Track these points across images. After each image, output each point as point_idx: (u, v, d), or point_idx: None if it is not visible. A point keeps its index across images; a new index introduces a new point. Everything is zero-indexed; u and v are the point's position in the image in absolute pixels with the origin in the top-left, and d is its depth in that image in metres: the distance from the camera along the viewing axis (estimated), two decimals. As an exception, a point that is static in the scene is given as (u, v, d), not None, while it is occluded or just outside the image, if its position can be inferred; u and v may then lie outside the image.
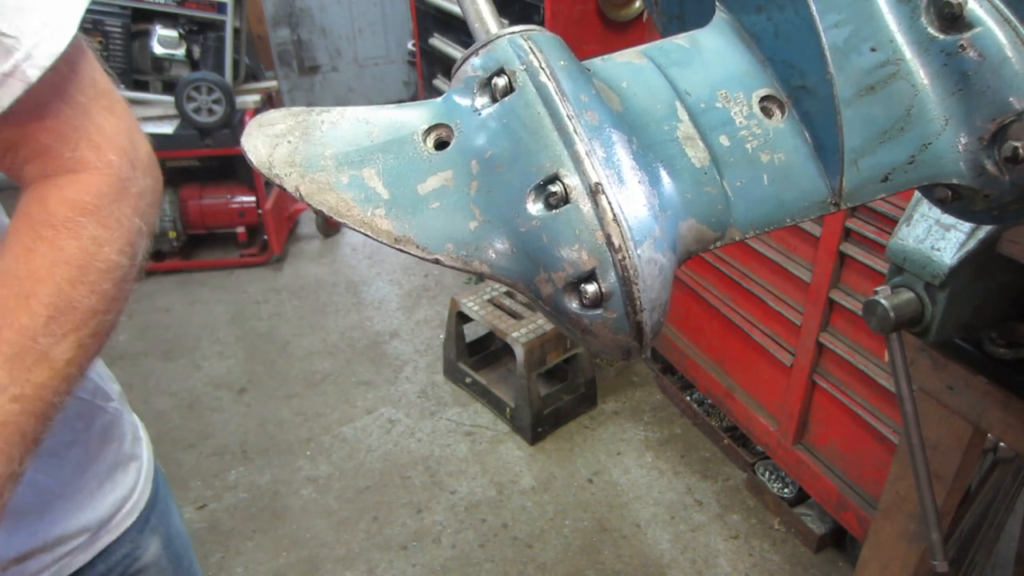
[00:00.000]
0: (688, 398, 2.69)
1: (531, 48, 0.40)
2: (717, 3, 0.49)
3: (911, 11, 0.44)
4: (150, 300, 3.51)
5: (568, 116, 0.38)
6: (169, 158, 3.57)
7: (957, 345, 0.93)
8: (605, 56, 0.47)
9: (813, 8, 0.44)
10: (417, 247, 0.41)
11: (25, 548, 0.79)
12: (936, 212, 0.86)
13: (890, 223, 1.65)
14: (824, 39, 0.44)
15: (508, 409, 2.65)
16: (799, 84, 0.45)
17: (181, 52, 3.82)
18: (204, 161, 3.74)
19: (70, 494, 0.83)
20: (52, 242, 0.61)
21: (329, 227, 4.06)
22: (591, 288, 0.38)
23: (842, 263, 1.84)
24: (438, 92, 0.57)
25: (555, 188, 0.38)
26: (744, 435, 2.47)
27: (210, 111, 3.79)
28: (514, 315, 2.67)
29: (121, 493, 0.90)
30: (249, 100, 3.80)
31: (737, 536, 2.27)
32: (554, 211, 0.38)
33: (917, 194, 0.89)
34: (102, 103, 0.67)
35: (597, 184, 0.37)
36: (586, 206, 0.37)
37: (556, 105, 0.38)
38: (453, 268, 0.41)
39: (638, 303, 0.38)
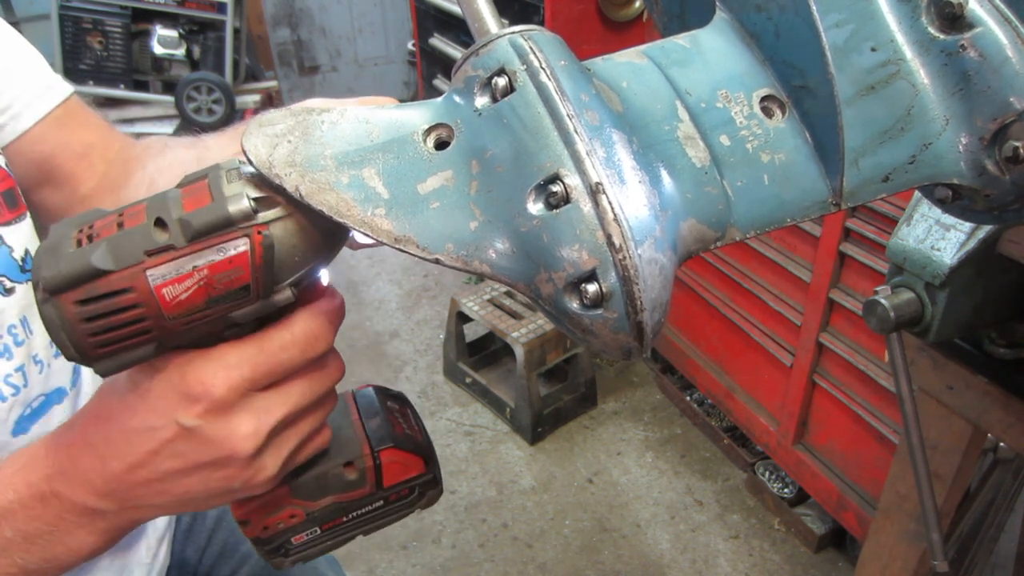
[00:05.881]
0: (688, 398, 2.69)
1: (531, 48, 0.40)
2: (718, 3, 0.49)
3: (912, 11, 0.44)
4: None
5: (568, 116, 0.38)
6: (169, 158, 3.56)
7: (957, 345, 0.93)
8: (605, 56, 0.47)
9: (813, 8, 0.44)
10: (417, 247, 0.41)
11: None
12: (936, 212, 0.86)
13: (890, 223, 1.65)
14: (824, 39, 0.44)
15: (508, 409, 2.65)
16: (800, 84, 0.45)
17: (181, 52, 3.83)
18: (204, 161, 3.74)
19: None
20: None
21: None
22: (592, 288, 0.38)
23: (842, 263, 1.84)
24: (438, 92, 0.57)
25: (555, 188, 0.38)
26: (744, 435, 2.47)
27: (210, 111, 3.80)
28: (514, 315, 2.67)
29: None
30: (249, 100, 3.81)
31: (737, 536, 2.27)
32: (554, 211, 0.38)
33: (917, 194, 0.89)
34: None
35: (598, 184, 0.37)
36: (587, 206, 0.37)
37: (556, 105, 0.38)
38: (453, 268, 0.41)
39: (639, 303, 0.38)
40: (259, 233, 0.41)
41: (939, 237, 0.84)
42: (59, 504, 0.48)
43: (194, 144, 0.74)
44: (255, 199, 0.42)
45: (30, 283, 0.76)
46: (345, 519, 0.57)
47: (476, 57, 0.42)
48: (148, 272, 0.41)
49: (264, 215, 0.42)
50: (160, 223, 0.41)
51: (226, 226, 0.41)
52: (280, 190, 0.42)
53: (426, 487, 0.60)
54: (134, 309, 0.41)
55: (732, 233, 0.44)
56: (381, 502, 0.58)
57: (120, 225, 0.42)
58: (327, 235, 0.45)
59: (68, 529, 0.49)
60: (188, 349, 0.45)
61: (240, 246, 0.41)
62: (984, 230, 0.81)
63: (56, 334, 0.41)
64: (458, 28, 3.28)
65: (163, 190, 0.43)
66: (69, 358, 0.43)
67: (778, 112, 0.45)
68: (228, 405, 0.45)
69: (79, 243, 0.41)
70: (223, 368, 0.44)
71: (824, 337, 1.93)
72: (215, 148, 0.70)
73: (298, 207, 0.43)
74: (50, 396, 0.77)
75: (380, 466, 0.57)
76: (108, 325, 0.41)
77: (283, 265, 0.43)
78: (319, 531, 0.57)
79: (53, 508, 0.49)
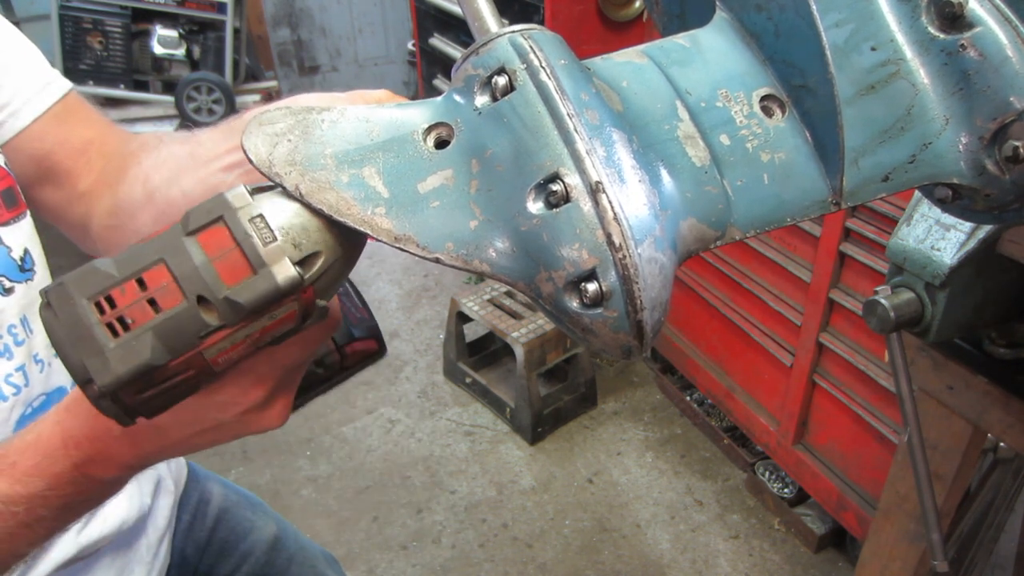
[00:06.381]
0: (688, 398, 2.69)
1: (531, 47, 0.40)
2: (718, 2, 0.49)
3: (912, 10, 0.44)
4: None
5: (568, 115, 0.38)
6: (169, 158, 3.56)
7: (957, 345, 0.93)
8: (605, 55, 0.47)
9: (814, 7, 0.44)
10: (417, 246, 0.41)
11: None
12: (936, 212, 0.86)
13: (890, 223, 1.65)
14: (825, 38, 0.44)
15: (508, 409, 2.65)
16: (800, 83, 0.45)
17: (181, 52, 3.83)
18: (204, 161, 3.74)
19: None
20: None
21: None
22: (591, 287, 0.38)
23: (842, 263, 1.84)
24: (438, 92, 0.57)
25: (555, 187, 0.38)
26: (744, 435, 2.47)
27: (210, 111, 3.80)
28: (514, 315, 2.67)
29: None
30: (249, 100, 3.81)
31: (737, 536, 2.27)
32: (554, 210, 0.38)
33: (917, 194, 0.89)
34: None
35: (598, 183, 0.37)
36: (587, 205, 0.37)
37: (556, 104, 0.38)
38: (453, 267, 0.41)
39: (639, 302, 0.38)
40: (305, 293, 0.43)
41: (939, 237, 0.84)
42: (92, 482, 0.54)
43: (187, 140, 0.74)
44: (299, 263, 0.41)
45: (30, 283, 0.76)
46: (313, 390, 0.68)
47: (476, 56, 0.42)
48: (204, 351, 0.42)
49: (310, 275, 0.42)
50: (203, 300, 0.41)
51: (277, 300, 0.41)
52: (279, 186, 0.42)
53: (376, 356, 0.72)
54: (190, 382, 0.44)
55: (732, 232, 0.44)
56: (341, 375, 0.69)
57: (154, 305, 0.40)
58: (354, 257, 0.46)
59: (101, 494, 0.57)
60: None
61: (290, 308, 0.43)
62: (984, 230, 0.81)
63: (120, 420, 0.44)
64: (458, 28, 3.28)
65: (173, 231, 0.41)
66: (124, 425, 0.45)
67: (778, 111, 0.45)
68: (264, 402, 0.51)
69: (112, 330, 0.40)
70: (257, 379, 0.49)
71: (824, 337, 1.93)
72: (208, 143, 0.70)
73: (334, 246, 0.43)
74: (51, 395, 0.77)
75: (344, 356, 0.67)
76: (165, 398, 0.44)
77: (322, 303, 0.45)
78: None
79: (86, 485, 0.54)
